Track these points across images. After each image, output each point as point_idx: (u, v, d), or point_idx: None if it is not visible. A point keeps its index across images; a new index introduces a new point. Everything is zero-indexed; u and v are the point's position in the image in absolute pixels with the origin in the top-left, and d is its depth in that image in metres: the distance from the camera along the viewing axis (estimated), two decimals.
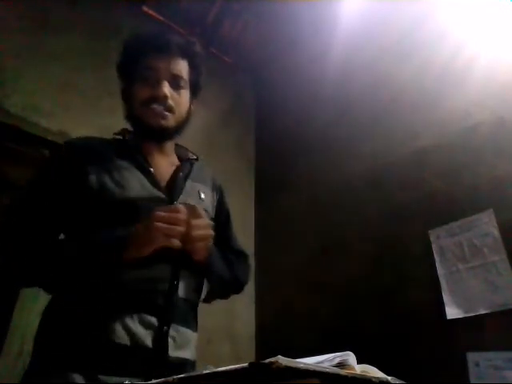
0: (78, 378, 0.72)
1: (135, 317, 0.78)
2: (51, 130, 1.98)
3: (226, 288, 1.04)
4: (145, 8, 2.64)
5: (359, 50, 2.30)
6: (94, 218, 0.84)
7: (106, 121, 2.09)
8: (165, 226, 0.77)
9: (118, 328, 0.76)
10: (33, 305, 1.60)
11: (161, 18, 2.68)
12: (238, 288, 1.09)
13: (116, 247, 0.79)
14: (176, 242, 0.78)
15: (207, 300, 1.00)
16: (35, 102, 2.00)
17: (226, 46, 2.96)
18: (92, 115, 2.12)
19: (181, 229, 0.79)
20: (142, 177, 0.90)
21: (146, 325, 0.79)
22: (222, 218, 1.09)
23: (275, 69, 3.01)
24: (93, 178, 0.85)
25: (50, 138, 1.95)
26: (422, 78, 1.91)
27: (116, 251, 0.78)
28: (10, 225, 0.83)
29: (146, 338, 0.78)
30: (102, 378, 0.72)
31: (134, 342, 0.76)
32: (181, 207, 0.81)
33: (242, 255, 1.11)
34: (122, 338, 0.76)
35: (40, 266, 0.80)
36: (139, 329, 0.78)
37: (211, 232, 0.87)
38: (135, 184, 0.88)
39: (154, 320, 0.80)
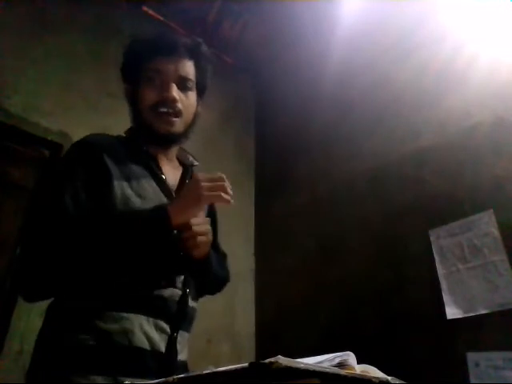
0: (99, 379, 0.72)
1: (151, 322, 0.79)
2: (51, 129, 1.98)
3: (216, 285, 1.07)
4: (145, 8, 2.64)
5: (359, 49, 2.30)
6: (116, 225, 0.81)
7: (106, 121, 2.09)
8: (209, 184, 0.81)
9: (138, 332, 0.77)
10: (32, 305, 1.60)
11: (161, 18, 2.69)
12: (222, 286, 1.11)
13: (159, 215, 0.79)
14: (227, 197, 0.81)
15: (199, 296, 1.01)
16: (35, 102, 2.00)
17: (225, 46, 2.96)
18: (92, 115, 2.12)
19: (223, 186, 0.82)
20: (156, 186, 0.90)
21: (160, 330, 0.80)
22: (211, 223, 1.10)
23: (275, 69, 3.01)
24: (116, 183, 0.83)
25: (49, 138, 1.96)
26: (422, 78, 1.91)
27: (161, 219, 0.78)
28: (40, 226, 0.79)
29: (161, 343, 0.80)
30: (122, 379, 0.73)
31: (152, 347, 0.78)
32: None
33: (223, 256, 1.13)
34: (142, 342, 0.77)
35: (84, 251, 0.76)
36: (155, 334, 0.79)
37: (209, 227, 0.88)
38: (152, 194, 0.88)
39: (166, 326, 0.81)
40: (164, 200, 0.89)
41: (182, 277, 0.86)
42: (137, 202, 0.83)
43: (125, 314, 0.77)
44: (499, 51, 1.65)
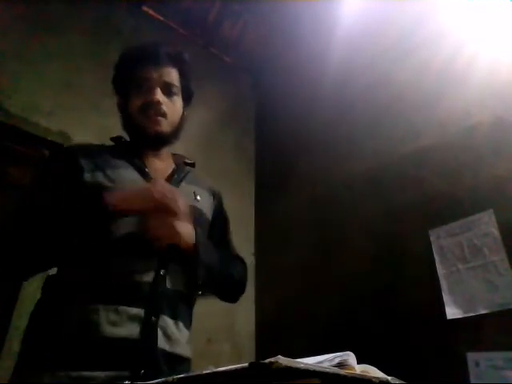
0: (64, 376, 0.71)
1: (120, 309, 0.77)
2: (51, 129, 1.98)
3: (218, 283, 1.01)
4: (145, 8, 2.64)
5: (359, 49, 2.30)
6: (84, 213, 0.83)
7: (106, 121, 2.09)
8: (164, 191, 0.84)
9: (103, 321, 0.75)
10: (32, 305, 1.60)
11: (161, 18, 2.69)
12: (234, 288, 1.07)
13: (96, 193, 0.81)
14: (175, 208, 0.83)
15: (200, 291, 0.97)
16: (35, 102, 2.00)
17: (225, 46, 2.96)
18: (92, 115, 2.12)
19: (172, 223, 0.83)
20: (136, 175, 0.93)
21: (132, 316, 0.78)
22: (219, 223, 1.09)
23: (275, 69, 3.01)
24: (87, 175, 0.88)
25: (49, 138, 1.96)
26: (422, 78, 1.91)
27: (96, 196, 0.80)
28: (14, 224, 0.83)
29: (133, 329, 0.77)
30: (89, 374, 0.71)
31: (121, 336, 0.76)
32: (175, 191, 0.87)
33: (239, 260, 1.10)
34: (110, 332, 0.75)
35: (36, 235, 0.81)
36: (126, 322, 0.77)
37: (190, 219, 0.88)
38: (127, 180, 0.90)
39: (140, 311, 0.79)
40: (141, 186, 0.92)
41: (156, 259, 0.85)
42: (107, 186, 0.87)
43: (90, 306, 0.76)
44: (499, 51, 1.65)
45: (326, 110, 2.38)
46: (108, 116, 2.08)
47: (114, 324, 0.76)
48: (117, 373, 0.72)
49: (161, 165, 1.02)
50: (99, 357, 0.73)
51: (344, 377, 0.45)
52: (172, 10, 2.67)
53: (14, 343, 1.59)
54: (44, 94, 2.05)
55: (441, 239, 1.60)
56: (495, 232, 1.45)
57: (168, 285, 0.85)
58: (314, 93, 2.51)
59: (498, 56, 1.64)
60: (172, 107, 1.01)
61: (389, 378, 0.52)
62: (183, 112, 1.07)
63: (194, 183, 1.05)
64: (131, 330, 0.77)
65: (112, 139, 1.04)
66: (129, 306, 0.78)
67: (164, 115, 0.98)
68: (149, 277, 0.83)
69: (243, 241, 2.52)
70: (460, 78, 1.75)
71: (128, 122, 1.01)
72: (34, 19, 2.14)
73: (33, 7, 2.14)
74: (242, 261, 1.11)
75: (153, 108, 0.97)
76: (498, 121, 1.56)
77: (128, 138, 1.04)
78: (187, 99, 1.10)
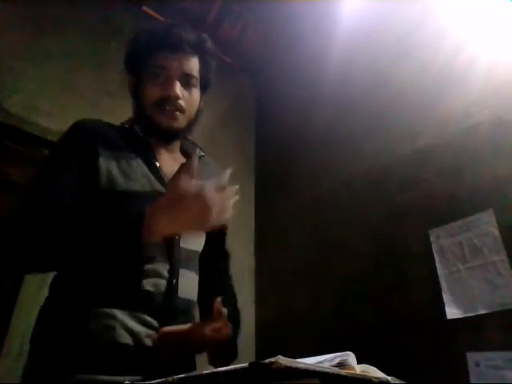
0: (79, 377, 0.71)
1: (135, 316, 0.77)
2: (51, 129, 1.98)
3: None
4: (145, 8, 2.64)
5: (359, 49, 2.30)
6: (95, 204, 0.82)
7: (106, 121, 2.08)
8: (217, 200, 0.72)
9: (118, 327, 0.75)
10: (32, 305, 1.61)
11: (161, 18, 2.68)
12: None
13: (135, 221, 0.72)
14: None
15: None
16: (35, 102, 2.00)
17: (225, 46, 2.96)
18: (92, 115, 2.08)
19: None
20: (147, 171, 0.90)
21: (147, 324, 0.78)
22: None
23: (275, 69, 3.01)
24: (102, 161, 0.84)
25: (49, 138, 1.95)
26: (421, 78, 1.90)
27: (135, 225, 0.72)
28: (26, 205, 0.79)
29: (147, 337, 0.78)
30: (103, 377, 0.72)
31: (135, 342, 0.76)
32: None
33: (228, 258, 1.11)
34: (123, 337, 0.75)
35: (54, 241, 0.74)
36: (140, 328, 0.77)
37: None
38: (140, 177, 0.88)
39: (153, 320, 0.79)
40: (155, 184, 0.89)
41: (168, 266, 0.84)
42: (121, 182, 0.84)
43: (106, 310, 0.76)
44: (499, 51, 1.65)
45: (325, 110, 2.38)
46: (108, 116, 2.07)
47: (128, 330, 0.76)
48: (131, 378, 0.72)
49: (170, 157, 0.99)
50: (112, 361, 0.73)
51: (344, 377, 0.45)
52: (172, 10, 2.66)
53: (14, 343, 1.59)
54: (44, 94, 2.05)
55: (441, 239, 1.60)
56: (495, 232, 1.45)
57: (180, 294, 0.85)
58: (314, 92, 2.51)
59: (498, 56, 1.64)
60: (190, 100, 0.96)
61: (389, 378, 0.52)
62: (200, 104, 1.02)
63: (201, 177, 1.02)
64: (145, 338, 0.77)
65: (123, 123, 1.00)
66: (144, 314, 0.78)
67: (182, 110, 0.94)
68: (162, 286, 0.82)
69: (243, 241, 2.51)
70: (460, 78, 1.74)
71: (139, 110, 0.96)
72: (34, 19, 2.13)
73: (33, 7, 2.14)
74: (229, 257, 1.11)
75: (170, 103, 0.92)
76: (498, 121, 1.56)
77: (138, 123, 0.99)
78: (205, 89, 1.04)
